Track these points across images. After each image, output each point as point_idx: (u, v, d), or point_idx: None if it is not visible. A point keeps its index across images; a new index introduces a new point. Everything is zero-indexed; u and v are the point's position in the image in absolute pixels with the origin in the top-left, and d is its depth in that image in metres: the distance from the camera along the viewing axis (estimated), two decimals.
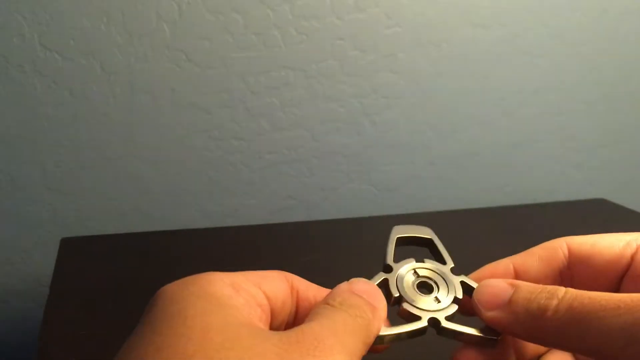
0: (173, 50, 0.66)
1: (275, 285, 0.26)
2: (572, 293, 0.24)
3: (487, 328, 0.27)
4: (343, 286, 0.26)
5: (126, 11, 0.63)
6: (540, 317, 0.24)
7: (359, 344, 0.23)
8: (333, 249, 0.60)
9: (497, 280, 0.27)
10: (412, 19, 0.72)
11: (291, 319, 0.27)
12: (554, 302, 0.24)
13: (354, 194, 0.78)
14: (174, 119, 0.69)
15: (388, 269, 0.28)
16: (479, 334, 0.27)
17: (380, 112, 0.75)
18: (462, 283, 0.28)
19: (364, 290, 0.25)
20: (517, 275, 0.29)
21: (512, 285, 0.26)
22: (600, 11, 0.79)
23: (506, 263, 0.29)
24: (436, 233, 0.31)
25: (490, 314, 0.26)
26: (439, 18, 0.73)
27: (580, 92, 0.83)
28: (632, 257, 0.27)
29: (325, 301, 0.25)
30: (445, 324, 0.27)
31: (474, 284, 0.28)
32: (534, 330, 0.24)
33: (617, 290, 0.28)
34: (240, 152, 0.72)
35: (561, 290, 0.24)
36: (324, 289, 0.28)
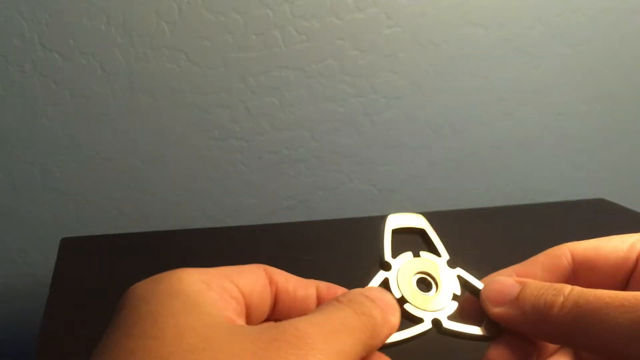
0: (173, 50, 0.66)
1: (251, 279, 0.25)
2: (578, 290, 0.24)
3: (488, 325, 0.27)
4: (358, 289, 0.25)
5: (126, 11, 0.63)
6: (547, 314, 0.24)
7: (356, 345, 0.22)
8: (333, 249, 0.60)
9: (504, 277, 0.27)
10: (412, 19, 0.72)
11: (270, 312, 0.26)
12: (560, 298, 0.24)
13: (354, 194, 0.78)
14: (174, 119, 0.68)
15: (387, 267, 0.28)
16: (479, 334, 0.27)
17: (380, 112, 0.75)
18: (459, 277, 0.28)
19: (378, 298, 0.25)
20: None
21: (520, 282, 0.26)
22: (600, 11, 0.79)
23: (509, 272, 0.29)
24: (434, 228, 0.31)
25: (497, 310, 0.26)
26: (439, 18, 0.73)
27: (580, 92, 0.83)
28: (638, 259, 0.27)
29: (336, 298, 0.24)
30: (447, 324, 0.27)
31: (470, 278, 0.28)
32: (540, 327, 0.24)
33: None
34: (240, 152, 0.72)
35: (567, 287, 0.24)
36: (306, 280, 0.27)
